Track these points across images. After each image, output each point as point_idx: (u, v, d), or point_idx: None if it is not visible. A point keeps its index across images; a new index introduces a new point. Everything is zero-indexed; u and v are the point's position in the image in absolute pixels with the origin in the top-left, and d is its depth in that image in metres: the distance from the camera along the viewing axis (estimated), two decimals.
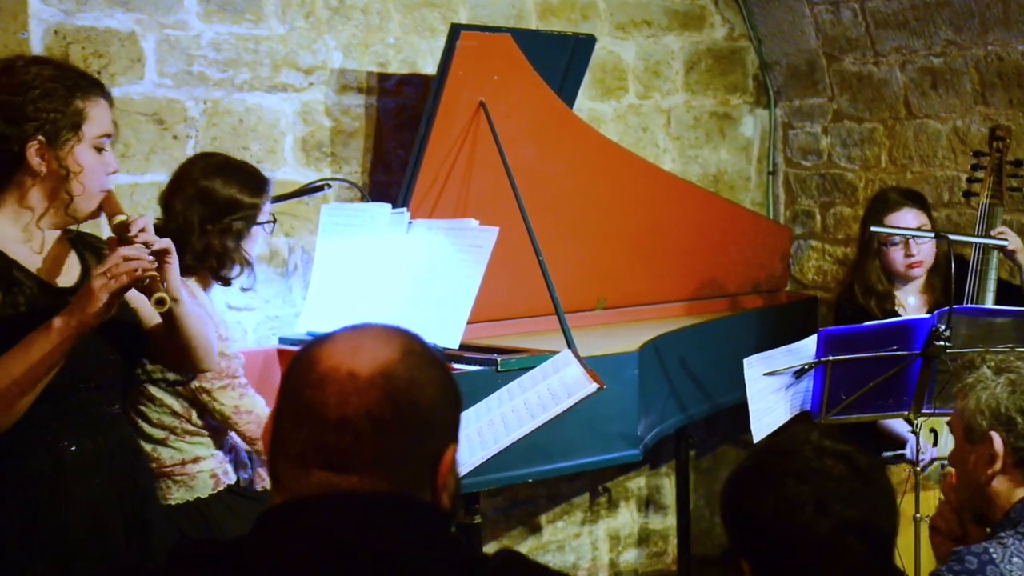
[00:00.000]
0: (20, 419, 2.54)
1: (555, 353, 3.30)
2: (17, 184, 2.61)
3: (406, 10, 4.44)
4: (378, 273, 3.80)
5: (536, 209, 3.86)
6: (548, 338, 3.88)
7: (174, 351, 2.79)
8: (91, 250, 2.76)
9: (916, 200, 4.31)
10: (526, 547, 4.92)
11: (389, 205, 3.87)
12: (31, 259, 2.62)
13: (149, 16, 3.88)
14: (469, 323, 3.58)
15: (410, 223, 3.81)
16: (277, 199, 3.95)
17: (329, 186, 4.06)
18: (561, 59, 4.43)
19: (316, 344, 1.60)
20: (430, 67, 4.42)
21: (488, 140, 3.98)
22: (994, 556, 2.32)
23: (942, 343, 3.35)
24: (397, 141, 4.40)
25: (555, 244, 4.08)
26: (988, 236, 4.03)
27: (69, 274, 2.68)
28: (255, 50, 4.10)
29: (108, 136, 2.66)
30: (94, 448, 2.66)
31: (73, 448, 2.63)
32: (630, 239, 4.64)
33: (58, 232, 2.69)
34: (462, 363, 3.57)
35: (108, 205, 2.66)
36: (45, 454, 2.61)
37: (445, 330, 3.54)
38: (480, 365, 3.55)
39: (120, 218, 2.60)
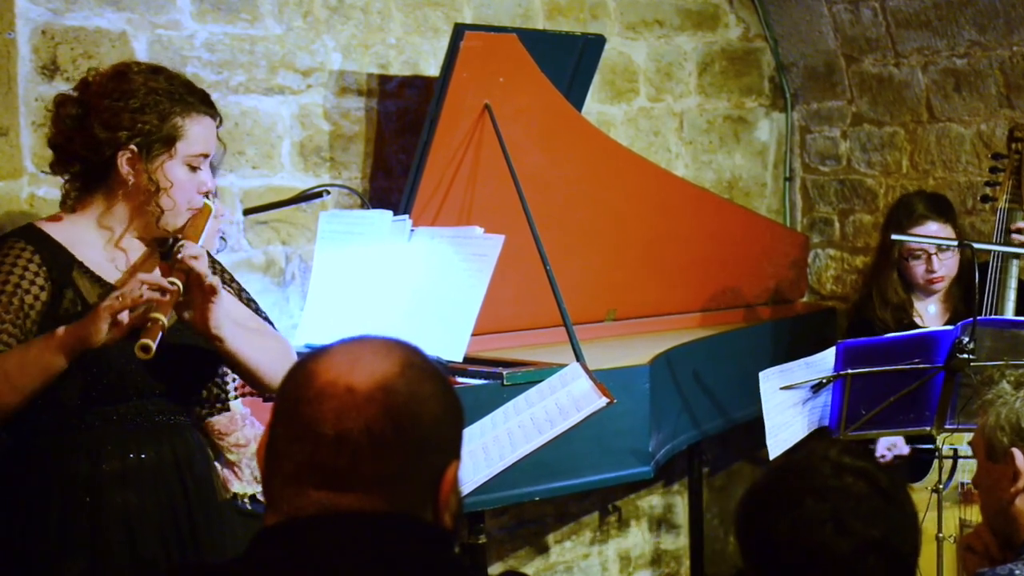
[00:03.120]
0: (67, 423, 2.59)
1: (563, 366, 3.26)
2: (106, 190, 2.69)
3: (408, 9, 4.42)
4: (379, 283, 3.77)
5: (543, 216, 3.84)
6: (556, 350, 3.84)
7: (244, 379, 2.82)
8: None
9: (942, 211, 4.25)
10: (533, 568, 4.90)
11: (390, 212, 3.85)
12: (103, 264, 2.68)
13: (140, 16, 3.84)
14: (473, 335, 3.55)
15: (412, 231, 3.79)
16: (274, 206, 3.99)
17: (328, 192, 4.04)
18: (569, 60, 4.42)
19: (313, 357, 1.59)
20: (433, 69, 4.39)
21: (493, 144, 3.96)
22: None
23: (966, 356, 3.31)
24: (399, 145, 4.38)
25: (563, 253, 4.05)
26: (1010, 242, 3.98)
27: None
28: (251, 51, 4.08)
29: (205, 156, 2.72)
30: (136, 460, 2.66)
31: (114, 459, 2.64)
32: (641, 248, 4.61)
33: (142, 243, 2.74)
34: (466, 377, 3.55)
35: (187, 225, 2.69)
36: (86, 461, 2.62)
37: (448, 342, 3.52)
38: (485, 379, 3.53)
39: (181, 242, 2.64)
